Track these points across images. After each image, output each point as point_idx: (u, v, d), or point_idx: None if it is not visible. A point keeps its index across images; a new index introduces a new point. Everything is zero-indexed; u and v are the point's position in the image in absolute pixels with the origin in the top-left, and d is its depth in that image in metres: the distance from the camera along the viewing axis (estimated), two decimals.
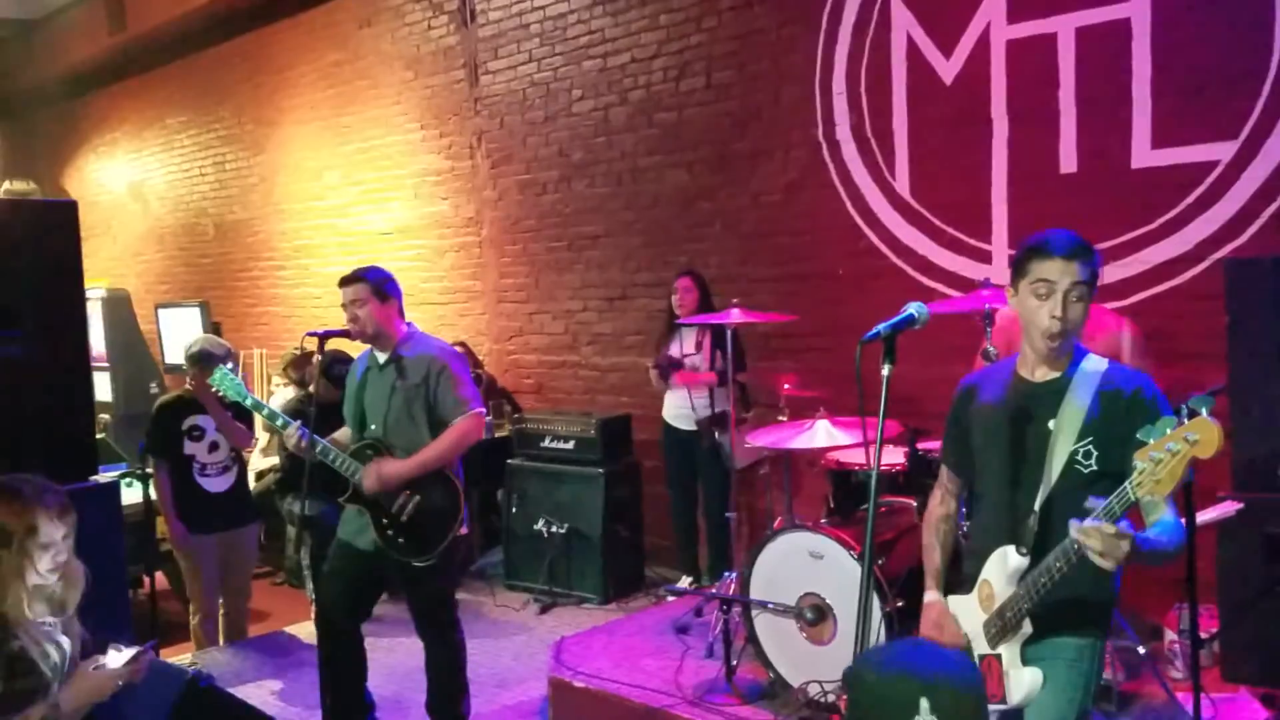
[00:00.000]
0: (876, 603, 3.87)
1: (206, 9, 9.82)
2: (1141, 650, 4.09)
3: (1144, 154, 4.85)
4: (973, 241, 5.41)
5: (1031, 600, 2.46)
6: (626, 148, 6.99)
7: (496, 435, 7.30)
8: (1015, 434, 2.61)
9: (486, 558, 7.10)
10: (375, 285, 4.20)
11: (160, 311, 10.64)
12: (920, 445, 4.42)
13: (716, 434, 5.79)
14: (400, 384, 4.17)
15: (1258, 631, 3.79)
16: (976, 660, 2.62)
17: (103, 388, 8.96)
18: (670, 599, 5.86)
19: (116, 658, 2.89)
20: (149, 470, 5.34)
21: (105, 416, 8.89)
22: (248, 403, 4.33)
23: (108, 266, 12.34)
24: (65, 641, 2.91)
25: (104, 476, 4.83)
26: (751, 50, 6.27)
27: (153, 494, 5.38)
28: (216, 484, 5.36)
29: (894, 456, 4.56)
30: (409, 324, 4.32)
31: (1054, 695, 2.51)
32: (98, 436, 5.60)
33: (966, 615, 2.68)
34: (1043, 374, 2.60)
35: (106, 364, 9.43)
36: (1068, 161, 5.07)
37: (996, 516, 2.64)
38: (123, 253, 12.51)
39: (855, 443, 4.61)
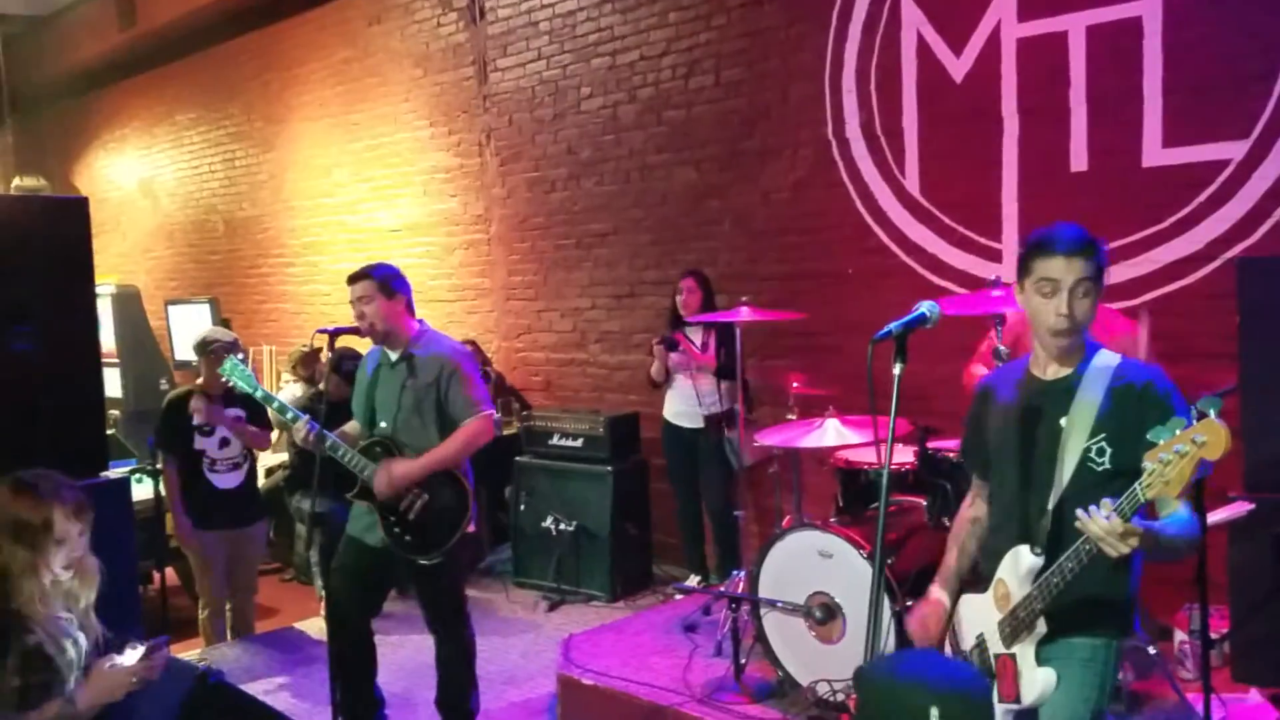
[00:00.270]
0: (886, 602, 3.86)
1: (216, 5, 9.85)
2: (1152, 650, 4.08)
3: (1155, 153, 4.83)
4: (983, 240, 5.40)
5: (1045, 600, 2.46)
6: (635, 145, 6.99)
7: (505, 433, 7.30)
8: (1028, 433, 2.60)
9: (495, 555, 7.11)
10: (381, 282, 4.19)
11: (170, 308, 10.68)
12: (930, 444, 4.41)
13: (726, 430, 5.79)
14: (411, 383, 4.17)
15: (1268, 632, 3.78)
16: (992, 660, 2.62)
17: (112, 384, 8.98)
18: (678, 597, 5.87)
19: (131, 655, 2.89)
20: (159, 466, 5.35)
21: (115, 413, 8.90)
22: (258, 394, 4.33)
23: (117, 263, 12.39)
24: (81, 637, 2.92)
25: (114, 472, 4.84)
26: (761, 48, 6.27)
27: (163, 490, 5.39)
28: (226, 480, 5.36)
29: (904, 455, 4.55)
30: (420, 321, 4.32)
31: (1068, 695, 2.50)
32: (108, 432, 5.61)
33: (982, 614, 2.67)
34: (1054, 371, 2.60)
35: (116, 360, 9.45)
36: (1078, 160, 5.06)
37: (1010, 516, 2.64)
38: (132, 249, 12.54)
39: (864, 441, 4.60)
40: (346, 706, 4.22)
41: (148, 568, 6.27)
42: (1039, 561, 2.49)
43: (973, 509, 2.90)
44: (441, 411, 4.16)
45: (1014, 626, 2.55)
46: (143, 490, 5.65)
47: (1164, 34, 4.75)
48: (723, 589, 5.22)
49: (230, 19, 10.08)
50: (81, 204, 4.77)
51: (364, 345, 4.61)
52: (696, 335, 5.98)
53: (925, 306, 2.55)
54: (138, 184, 12.38)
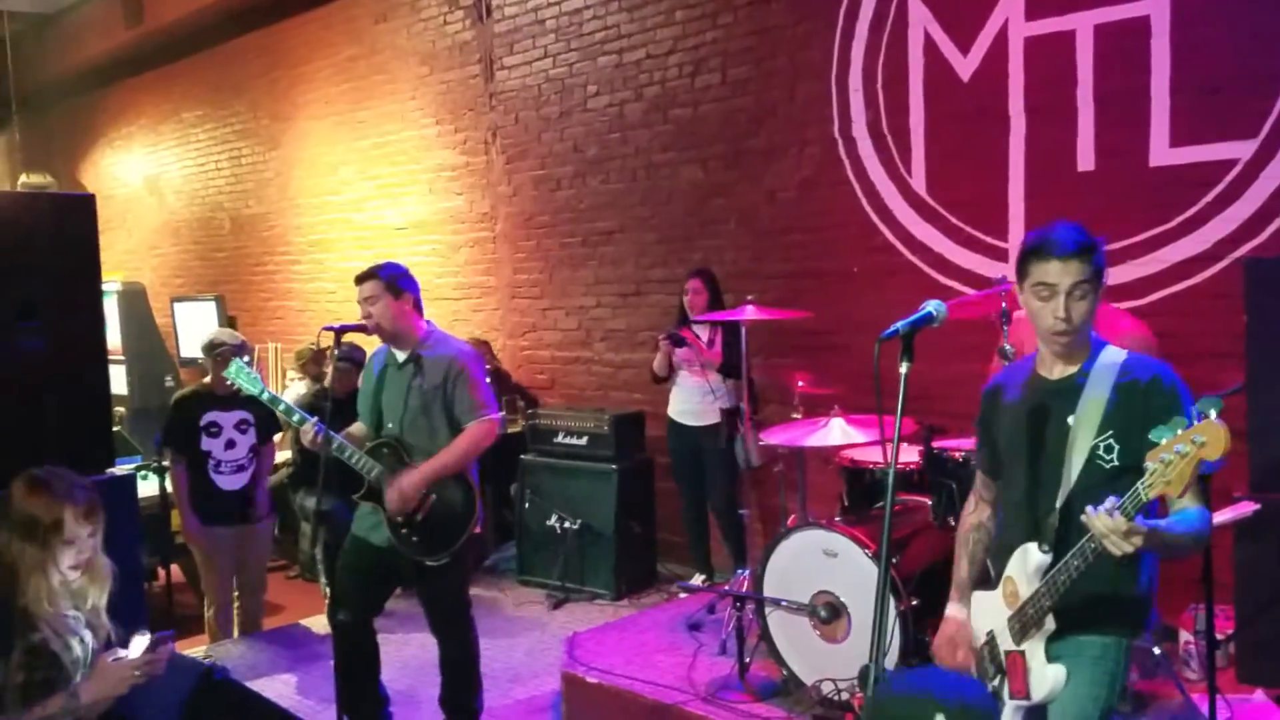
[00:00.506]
0: (891, 601, 3.86)
1: (223, 3, 9.86)
2: (1157, 651, 4.07)
3: (1162, 152, 4.82)
4: (989, 239, 5.39)
5: (1052, 597, 2.46)
6: (641, 144, 6.98)
7: (509, 431, 7.30)
8: (1035, 432, 2.60)
9: (499, 552, 7.12)
10: (388, 281, 4.19)
11: (176, 305, 10.70)
12: (936, 444, 4.41)
13: (740, 428, 5.78)
14: (418, 384, 4.17)
15: (1274, 633, 3.78)
16: (1001, 656, 2.62)
17: (118, 381, 8.97)
18: (683, 596, 5.86)
19: (137, 644, 2.90)
20: (165, 463, 5.35)
21: (120, 410, 8.93)
22: (264, 397, 4.33)
23: (123, 260, 12.40)
24: (89, 636, 2.92)
25: (120, 469, 4.85)
26: (767, 46, 6.26)
27: (168, 487, 5.39)
28: (231, 481, 5.37)
29: (909, 455, 4.54)
30: (428, 322, 4.32)
31: (1078, 693, 2.51)
32: (113, 429, 5.62)
33: (991, 610, 2.68)
34: (1060, 370, 2.60)
35: (121, 357, 9.46)
36: (1085, 159, 5.05)
37: (1019, 514, 2.64)
38: (138, 246, 12.56)
39: (869, 440, 4.60)
40: (351, 704, 4.23)
41: (153, 564, 6.30)
42: (1046, 559, 2.49)
43: (976, 513, 2.89)
44: (449, 413, 4.16)
45: (1023, 624, 2.55)
46: (148, 487, 5.68)
47: (1172, 33, 4.74)
48: (727, 588, 5.22)
49: (236, 17, 10.09)
50: (88, 201, 4.77)
51: (369, 342, 4.61)
52: (703, 334, 5.98)
53: (932, 305, 2.55)
54: (144, 181, 12.39)
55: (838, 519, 4.36)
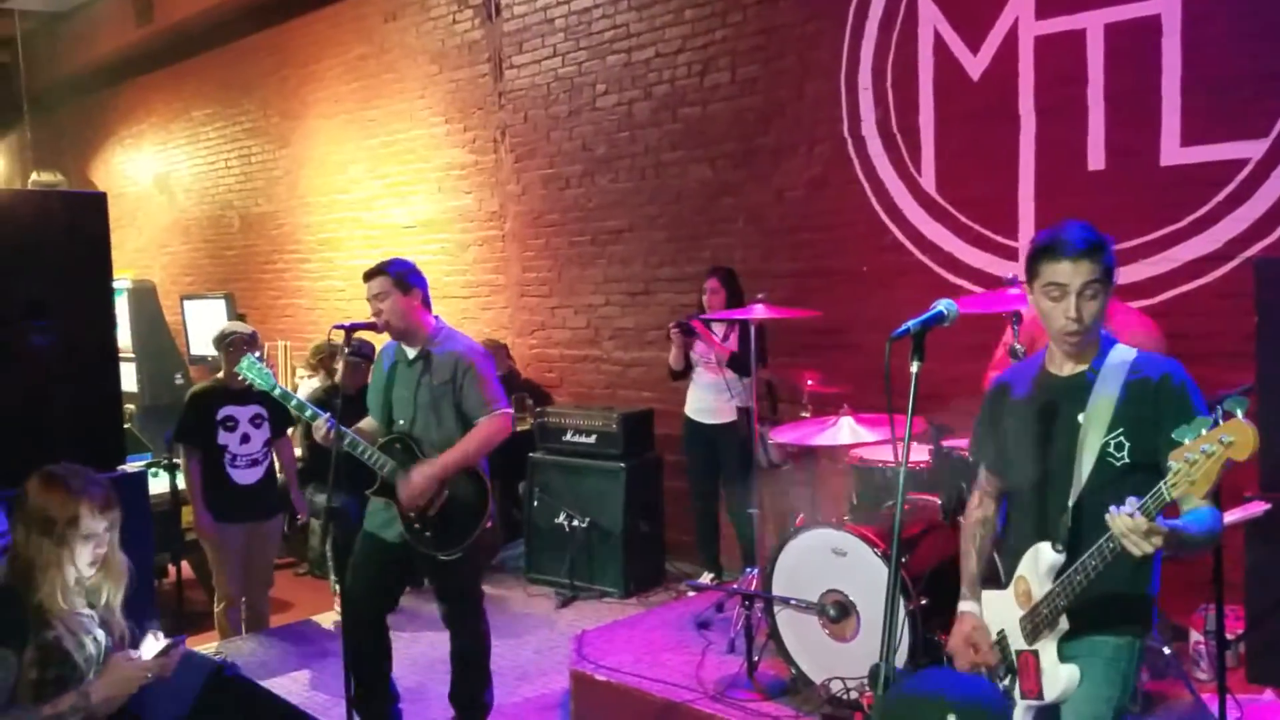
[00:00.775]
0: (900, 601, 3.86)
1: (233, 2, 9.89)
2: (1167, 651, 4.07)
3: (1173, 151, 4.81)
4: (999, 238, 5.39)
5: (1068, 597, 2.46)
6: (650, 142, 6.99)
7: (518, 429, 7.30)
8: (1045, 430, 2.60)
9: (508, 551, 7.13)
10: (397, 278, 4.19)
11: (185, 303, 10.73)
12: (945, 443, 4.41)
13: (759, 427, 5.78)
14: (427, 381, 4.18)
15: None
16: (1013, 656, 2.62)
17: (128, 379, 9.03)
18: (691, 594, 5.86)
19: (150, 647, 2.90)
20: (175, 460, 5.36)
21: (130, 407, 8.96)
22: (276, 392, 4.33)
23: (133, 258, 12.44)
24: (102, 635, 2.93)
25: (130, 466, 4.87)
26: (776, 45, 6.26)
27: (179, 483, 5.40)
28: (245, 476, 5.38)
29: (918, 454, 4.54)
30: (437, 318, 4.32)
31: (1092, 693, 2.50)
32: (124, 427, 5.65)
33: (1002, 610, 2.67)
34: (1070, 368, 2.60)
35: (132, 355, 9.49)
36: (1096, 158, 5.04)
37: (1030, 513, 2.64)
38: (148, 244, 12.60)
39: (879, 439, 4.60)
40: (362, 700, 4.24)
41: (163, 561, 6.32)
42: (1060, 559, 2.49)
43: (980, 509, 2.88)
44: (460, 409, 4.17)
45: (1035, 623, 2.55)
46: (158, 484, 5.69)
47: (1183, 32, 4.73)
48: (736, 586, 5.22)
49: (246, 15, 10.11)
50: (100, 199, 4.79)
51: (380, 340, 4.61)
52: (719, 331, 5.97)
53: (943, 305, 2.54)
54: (154, 179, 12.43)
55: (847, 518, 4.36)
